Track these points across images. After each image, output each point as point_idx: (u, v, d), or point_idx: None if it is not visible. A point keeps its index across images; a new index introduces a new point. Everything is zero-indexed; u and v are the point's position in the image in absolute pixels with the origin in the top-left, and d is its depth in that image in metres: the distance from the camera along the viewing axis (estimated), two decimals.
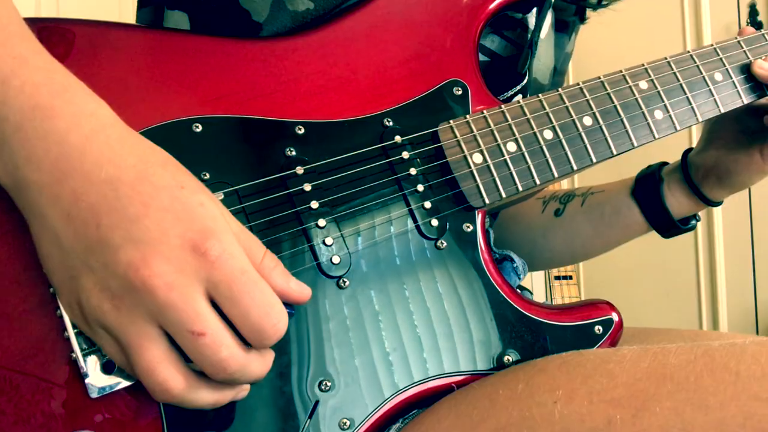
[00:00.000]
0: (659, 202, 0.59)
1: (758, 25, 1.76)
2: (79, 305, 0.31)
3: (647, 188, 0.60)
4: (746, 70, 0.52)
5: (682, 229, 0.60)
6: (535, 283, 1.76)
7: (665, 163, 0.62)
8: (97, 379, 0.33)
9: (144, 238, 0.29)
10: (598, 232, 0.63)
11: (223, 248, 0.30)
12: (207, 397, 0.32)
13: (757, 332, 1.82)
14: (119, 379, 0.34)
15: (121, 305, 0.30)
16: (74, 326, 0.33)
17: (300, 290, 0.33)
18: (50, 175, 0.30)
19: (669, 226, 0.60)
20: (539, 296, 1.76)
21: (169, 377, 0.30)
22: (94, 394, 0.33)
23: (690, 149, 0.60)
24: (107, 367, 0.34)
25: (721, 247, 1.85)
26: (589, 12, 0.61)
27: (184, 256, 0.29)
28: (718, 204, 0.59)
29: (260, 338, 0.31)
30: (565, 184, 2.05)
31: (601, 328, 0.44)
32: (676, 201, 0.59)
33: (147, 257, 0.29)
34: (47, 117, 0.30)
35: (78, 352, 0.33)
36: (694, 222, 0.61)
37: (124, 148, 0.31)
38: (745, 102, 0.52)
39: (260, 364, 0.32)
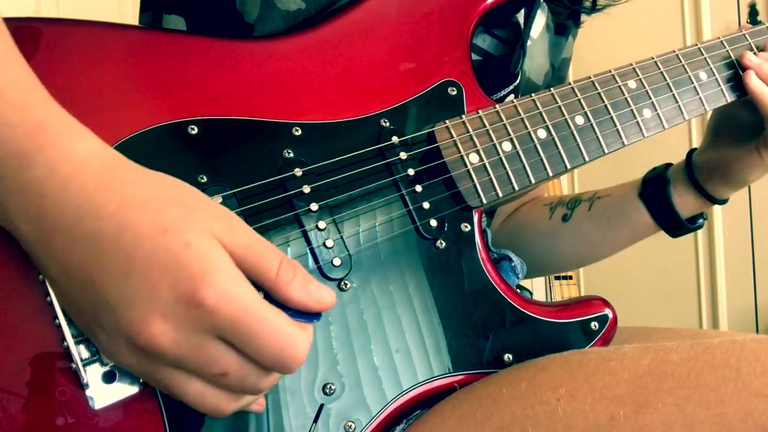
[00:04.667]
0: (667, 203, 0.60)
1: (758, 25, 1.78)
2: (108, 353, 0.31)
3: (654, 189, 0.61)
4: (729, 68, 0.53)
5: (690, 228, 0.61)
6: (535, 283, 1.76)
7: (670, 165, 0.63)
8: (98, 389, 0.33)
9: (136, 296, 0.28)
10: (606, 234, 0.64)
11: (219, 293, 0.28)
12: (232, 407, 0.32)
13: (758, 332, 1.82)
14: (121, 389, 0.33)
15: (141, 359, 0.30)
16: (73, 335, 0.33)
17: (319, 299, 0.31)
18: (37, 231, 0.29)
19: (677, 225, 0.60)
20: (539, 296, 1.76)
21: (217, 403, 0.31)
22: (95, 406, 0.33)
23: (694, 149, 0.62)
24: (109, 377, 0.33)
25: (721, 247, 1.86)
26: (583, 16, 0.62)
27: (180, 310, 0.28)
28: (724, 202, 0.60)
29: (281, 369, 0.31)
30: (565, 185, 2.06)
31: (597, 324, 0.44)
32: (683, 201, 0.60)
33: (143, 318, 0.28)
34: (23, 166, 0.29)
35: (78, 363, 0.33)
36: (701, 221, 0.62)
37: (101, 192, 0.29)
38: (729, 100, 0.53)
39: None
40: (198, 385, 0.30)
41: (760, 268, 1.80)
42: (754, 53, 0.54)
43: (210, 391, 0.31)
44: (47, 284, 0.33)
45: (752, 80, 0.52)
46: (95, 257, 0.28)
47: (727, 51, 0.54)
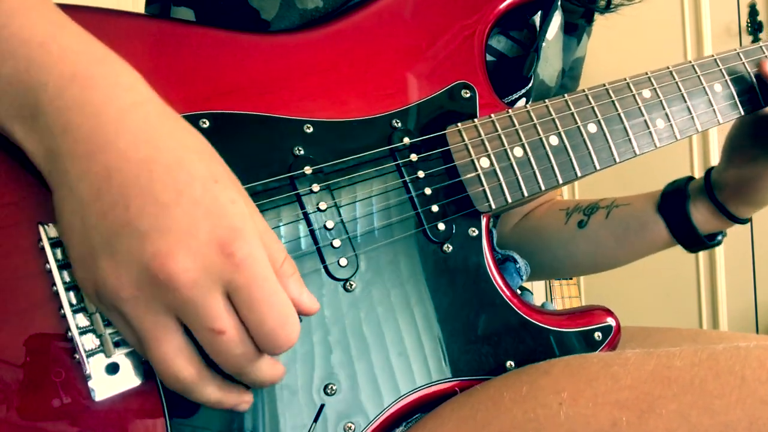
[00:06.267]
0: (686, 219, 0.59)
1: (758, 25, 1.77)
2: (95, 284, 0.30)
3: (674, 204, 0.60)
4: (743, 82, 0.52)
5: (709, 245, 0.60)
6: (535, 282, 1.77)
7: (692, 178, 0.61)
8: (101, 381, 0.33)
9: (173, 228, 0.28)
10: (622, 245, 0.63)
11: (249, 251, 0.29)
12: (213, 394, 0.32)
13: (758, 332, 1.83)
14: (124, 381, 0.33)
15: (140, 295, 0.29)
16: (78, 327, 0.33)
17: (311, 303, 0.33)
18: (85, 147, 0.29)
19: (696, 242, 0.60)
20: (539, 296, 1.76)
21: (182, 369, 0.30)
22: (98, 397, 0.33)
23: (713, 168, 0.60)
24: (112, 368, 0.33)
25: (721, 247, 1.86)
26: (596, 15, 0.61)
27: (210, 253, 0.29)
28: (746, 221, 0.59)
29: (272, 346, 0.31)
30: (565, 190, 2.06)
31: (600, 334, 0.44)
32: (703, 218, 0.59)
33: (173, 250, 0.28)
34: (86, 86, 0.30)
35: (82, 354, 0.33)
36: (720, 237, 0.60)
37: (162, 128, 0.30)
38: (743, 113, 0.52)
39: (271, 368, 0.33)
40: (177, 341, 0.30)
41: (760, 268, 1.80)
42: None
43: (183, 352, 0.30)
44: (46, 248, 0.32)
45: None
46: (142, 181, 0.28)
47: (743, 64, 0.53)
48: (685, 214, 0.59)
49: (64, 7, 0.34)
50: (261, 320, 0.30)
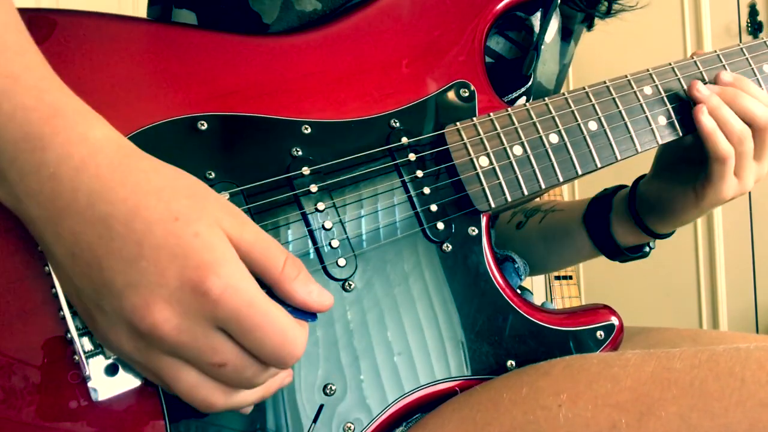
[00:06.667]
0: (607, 232, 0.57)
1: (758, 26, 1.76)
2: (100, 338, 0.31)
3: (597, 216, 0.59)
4: (680, 99, 0.49)
5: (631, 257, 0.58)
6: (535, 283, 1.77)
7: (622, 187, 0.60)
8: (100, 382, 0.33)
9: (142, 281, 0.28)
10: (550, 251, 0.63)
11: (225, 284, 0.28)
12: (249, 397, 0.33)
13: (758, 332, 1.83)
14: (124, 382, 0.34)
15: (139, 345, 0.30)
16: (77, 328, 0.33)
17: (320, 300, 0.32)
18: (48, 213, 0.29)
19: (617, 253, 0.58)
20: (539, 296, 1.76)
21: (208, 395, 0.31)
22: (97, 398, 0.33)
23: (643, 176, 0.58)
24: (111, 369, 0.33)
25: (721, 247, 1.86)
26: (596, 20, 0.61)
27: (185, 297, 0.28)
28: (665, 236, 0.57)
29: (278, 364, 0.31)
30: (566, 189, 2.06)
31: (602, 333, 0.44)
32: (624, 231, 0.57)
33: (149, 303, 0.28)
34: (38, 148, 0.29)
35: (81, 355, 0.33)
36: (647, 249, 0.58)
37: (115, 178, 0.29)
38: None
39: (283, 374, 0.34)
40: (193, 375, 0.30)
41: (760, 268, 1.80)
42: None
43: (204, 382, 0.30)
44: (51, 273, 0.33)
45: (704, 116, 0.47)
46: (105, 241, 0.28)
47: (747, 59, 0.53)
48: (607, 226, 0.57)
49: (68, 12, 0.34)
50: (258, 344, 0.30)
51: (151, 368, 0.31)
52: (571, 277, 1.55)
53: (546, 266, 0.65)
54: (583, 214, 0.60)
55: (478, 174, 0.43)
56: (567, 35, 0.60)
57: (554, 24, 0.56)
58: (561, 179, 0.45)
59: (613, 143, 0.47)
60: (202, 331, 0.29)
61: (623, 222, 0.57)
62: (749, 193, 1.77)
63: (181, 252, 0.28)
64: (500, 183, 0.43)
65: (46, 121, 0.29)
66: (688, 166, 0.52)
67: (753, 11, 1.76)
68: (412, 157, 0.43)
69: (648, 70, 0.50)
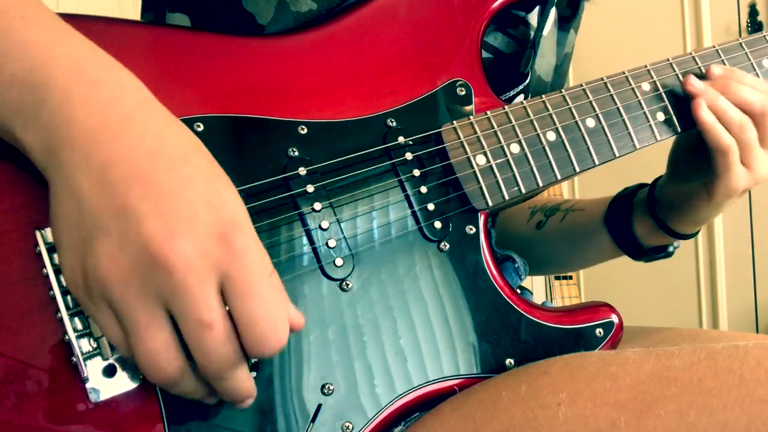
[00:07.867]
0: (630, 232, 0.56)
1: (758, 25, 1.77)
2: (84, 271, 0.29)
3: (619, 216, 0.58)
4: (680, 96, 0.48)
5: (656, 257, 0.58)
6: (535, 283, 1.77)
7: (643, 186, 0.59)
8: (98, 383, 0.33)
9: (174, 214, 0.29)
10: (573, 251, 0.62)
11: (248, 244, 0.30)
12: (198, 390, 0.31)
13: (758, 332, 1.82)
14: (121, 384, 0.34)
15: (132, 280, 0.28)
16: (75, 330, 0.33)
17: (297, 319, 0.32)
18: (88, 139, 0.30)
19: (641, 253, 0.58)
20: (539, 296, 1.76)
21: (167, 365, 0.29)
22: (95, 399, 0.33)
23: (660, 178, 0.57)
24: (109, 371, 0.33)
25: (721, 247, 1.85)
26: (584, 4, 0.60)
27: (209, 242, 0.29)
28: (690, 236, 0.56)
29: (260, 347, 0.30)
30: (565, 186, 2.06)
31: (602, 330, 0.44)
32: (646, 231, 0.56)
33: (173, 233, 0.28)
34: (92, 86, 0.31)
35: (79, 356, 0.33)
36: (671, 249, 0.57)
37: (168, 125, 0.31)
38: None
39: (246, 379, 0.32)
40: (165, 335, 0.29)
41: (760, 268, 1.80)
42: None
43: (171, 349, 0.29)
44: (50, 274, 0.33)
45: (703, 111, 0.46)
46: (146, 171, 0.29)
47: (747, 54, 0.52)
48: (629, 227, 0.57)
49: (66, 17, 0.34)
50: (252, 316, 0.29)
51: (128, 311, 0.29)
52: (571, 278, 1.55)
53: (567, 265, 0.65)
54: (604, 215, 0.59)
55: (475, 172, 0.43)
56: (563, 24, 0.59)
57: (552, 15, 0.56)
58: (559, 177, 0.45)
59: (611, 140, 0.47)
60: (207, 281, 0.28)
61: (645, 223, 0.56)
62: (749, 193, 1.77)
63: (219, 206, 0.30)
64: (497, 181, 0.43)
65: (102, 69, 0.32)
66: (698, 164, 0.51)
67: (753, 11, 1.76)
68: (408, 156, 0.43)
69: (646, 66, 0.49)
